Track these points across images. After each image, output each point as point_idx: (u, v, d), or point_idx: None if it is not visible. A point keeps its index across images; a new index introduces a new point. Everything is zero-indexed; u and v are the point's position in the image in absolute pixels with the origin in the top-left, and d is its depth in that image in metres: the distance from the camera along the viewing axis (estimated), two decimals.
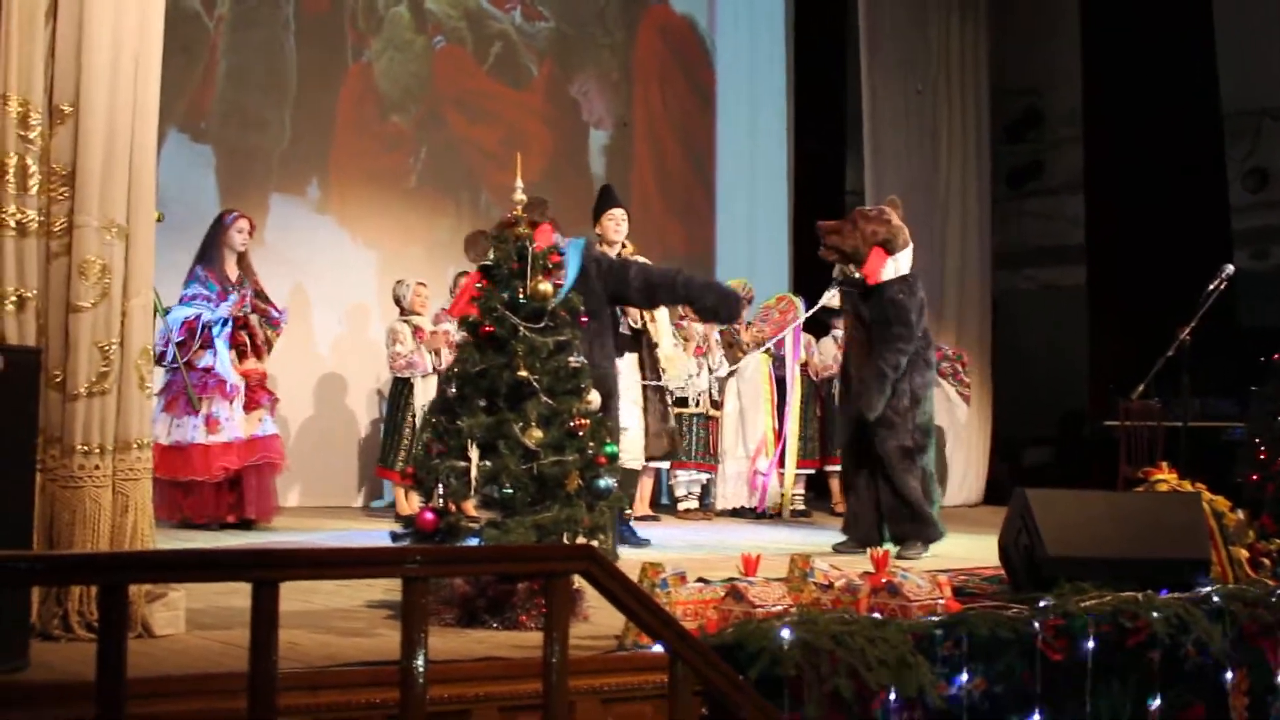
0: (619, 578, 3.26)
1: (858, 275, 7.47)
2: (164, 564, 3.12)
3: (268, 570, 2.84)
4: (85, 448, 4.29)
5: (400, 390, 9.09)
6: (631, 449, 8.15)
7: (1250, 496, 6.60)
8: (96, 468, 4.30)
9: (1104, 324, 12.09)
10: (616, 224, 7.97)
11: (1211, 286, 7.74)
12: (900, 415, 7.32)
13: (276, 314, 8.36)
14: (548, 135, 11.59)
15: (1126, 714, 4.86)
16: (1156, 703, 4.91)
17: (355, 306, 10.54)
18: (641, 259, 7.79)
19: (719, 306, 7.40)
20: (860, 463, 7.49)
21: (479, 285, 5.06)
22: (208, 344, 8.02)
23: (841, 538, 7.58)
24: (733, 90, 12.69)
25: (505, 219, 5.17)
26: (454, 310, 7.48)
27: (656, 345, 8.36)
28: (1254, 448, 6.87)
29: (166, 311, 7.77)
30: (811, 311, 7.98)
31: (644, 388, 8.37)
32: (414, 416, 8.91)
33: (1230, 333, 10.46)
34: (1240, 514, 6.13)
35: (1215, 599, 5.19)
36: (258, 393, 8.23)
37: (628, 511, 7.90)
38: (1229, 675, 5.13)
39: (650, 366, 8.46)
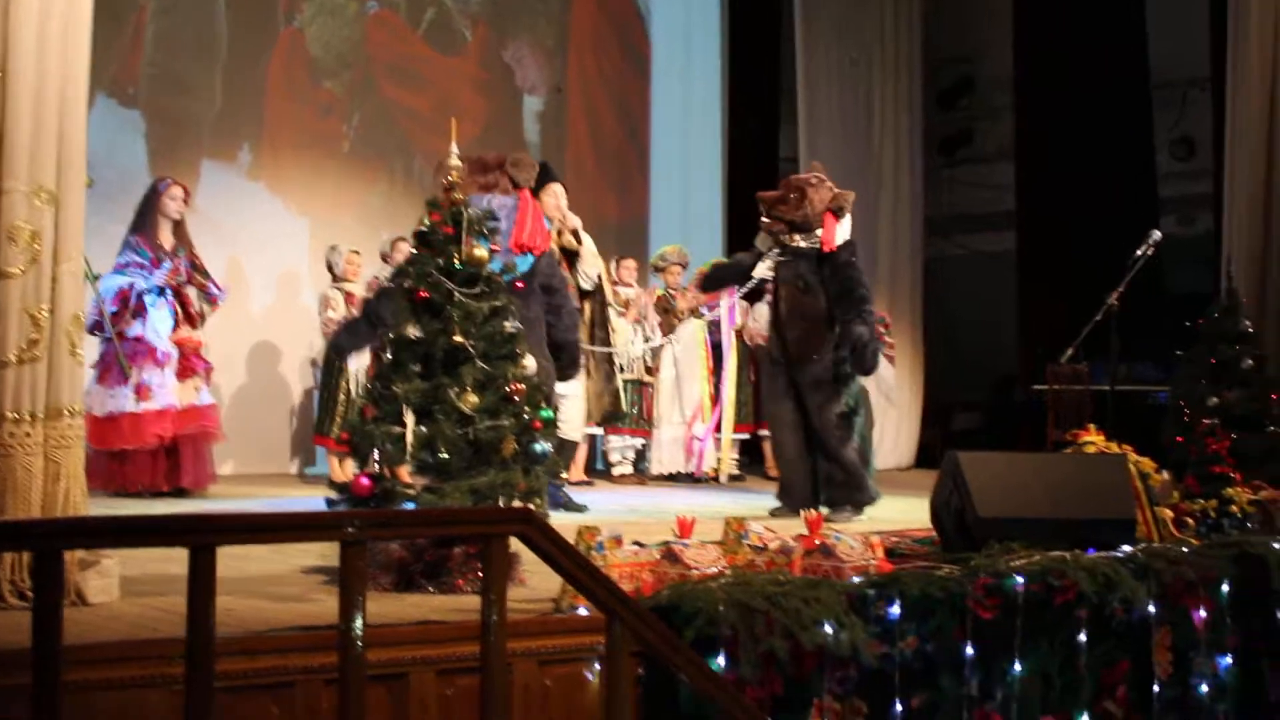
0: (556, 540, 3.28)
1: (803, 245, 7.49)
2: (100, 530, 3.11)
3: (204, 535, 2.84)
4: (15, 415, 4.25)
5: (333, 357, 9.04)
6: (572, 419, 8.13)
7: (1175, 458, 6.73)
8: (27, 435, 4.26)
9: (1034, 290, 12.24)
10: (557, 200, 7.90)
11: (1139, 252, 7.87)
12: (840, 381, 7.39)
13: (216, 291, 8.31)
14: (481, 102, 11.54)
15: (1055, 670, 4.96)
16: (1084, 659, 5.01)
17: (287, 274, 10.46)
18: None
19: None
20: (794, 430, 7.55)
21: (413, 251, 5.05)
22: (139, 312, 7.94)
23: (777, 503, 7.65)
24: (667, 57, 12.67)
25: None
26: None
27: (610, 306, 8.34)
28: (1179, 411, 6.99)
29: (96, 279, 7.67)
30: (748, 286, 8.06)
31: (590, 352, 8.35)
32: (347, 383, 8.89)
33: (1157, 298, 10.63)
34: (1165, 475, 6.26)
35: (1140, 558, 5.30)
36: (192, 360, 8.17)
37: (564, 475, 7.90)
38: (1153, 632, 5.24)
39: (600, 328, 8.44)
